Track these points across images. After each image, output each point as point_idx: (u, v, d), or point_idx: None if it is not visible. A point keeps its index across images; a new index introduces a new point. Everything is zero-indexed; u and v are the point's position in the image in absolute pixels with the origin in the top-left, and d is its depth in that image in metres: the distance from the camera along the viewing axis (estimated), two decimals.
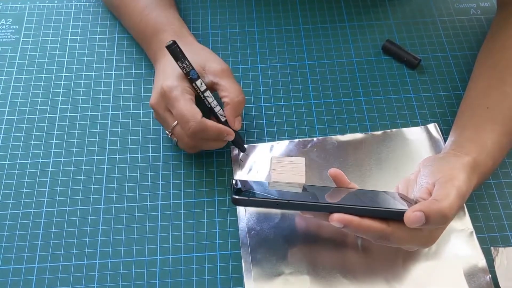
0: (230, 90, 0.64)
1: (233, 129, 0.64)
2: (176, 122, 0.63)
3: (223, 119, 0.64)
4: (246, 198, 0.53)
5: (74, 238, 0.62)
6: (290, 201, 0.53)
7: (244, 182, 0.59)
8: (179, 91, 0.62)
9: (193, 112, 0.61)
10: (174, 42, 0.62)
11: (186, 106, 0.61)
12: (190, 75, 0.63)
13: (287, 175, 0.64)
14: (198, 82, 0.63)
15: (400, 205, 0.54)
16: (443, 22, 0.82)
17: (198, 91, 0.64)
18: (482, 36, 0.80)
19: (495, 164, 0.62)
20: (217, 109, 0.64)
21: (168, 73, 0.64)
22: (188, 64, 0.63)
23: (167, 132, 0.64)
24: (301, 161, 0.66)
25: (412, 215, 0.52)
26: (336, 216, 0.53)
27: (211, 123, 0.62)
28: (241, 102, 0.64)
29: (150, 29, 0.71)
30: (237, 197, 0.53)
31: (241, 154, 0.67)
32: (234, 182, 0.58)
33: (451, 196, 0.53)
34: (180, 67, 0.63)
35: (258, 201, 0.54)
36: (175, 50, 0.62)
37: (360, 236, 0.59)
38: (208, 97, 0.64)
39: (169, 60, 0.64)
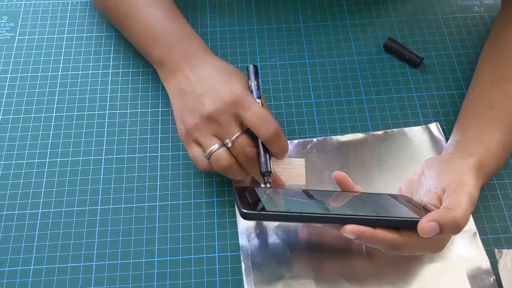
0: (255, 123, 0.59)
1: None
2: (240, 132, 0.59)
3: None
4: (257, 212, 0.52)
5: (71, 240, 0.62)
6: (303, 214, 0.52)
7: (247, 190, 0.57)
8: (252, 97, 0.60)
9: (272, 116, 0.59)
10: (255, 65, 0.63)
11: (265, 109, 0.59)
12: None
13: (286, 177, 0.65)
14: (259, 101, 0.61)
15: (411, 212, 0.54)
16: (446, 20, 0.82)
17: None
18: (486, 34, 0.80)
19: (499, 164, 0.62)
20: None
21: (232, 81, 0.61)
22: (256, 83, 0.62)
23: (211, 148, 0.59)
24: (300, 162, 0.66)
25: (426, 225, 0.52)
26: (349, 228, 0.52)
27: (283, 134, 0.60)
28: (273, 133, 0.59)
29: (172, 35, 0.67)
30: (247, 211, 0.51)
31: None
32: (238, 192, 0.56)
33: (463, 204, 0.53)
34: (254, 84, 0.62)
35: (269, 215, 0.52)
36: (256, 69, 0.63)
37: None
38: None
39: (220, 69, 0.62)
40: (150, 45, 0.68)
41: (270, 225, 0.63)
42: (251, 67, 0.63)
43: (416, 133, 0.71)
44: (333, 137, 0.70)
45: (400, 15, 0.83)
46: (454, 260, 0.61)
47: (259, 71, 0.61)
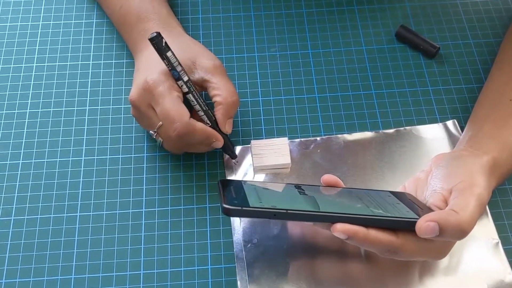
0: (223, 89, 0.64)
1: (222, 133, 0.65)
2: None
3: (209, 123, 0.65)
4: (239, 208, 0.53)
5: (47, 251, 0.62)
6: (289, 211, 0.53)
7: (233, 184, 0.58)
8: (166, 87, 0.62)
9: (180, 112, 0.61)
10: (159, 35, 0.62)
11: (173, 105, 0.62)
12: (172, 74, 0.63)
13: (270, 158, 0.67)
14: (180, 83, 0.63)
15: (411, 212, 0.54)
16: (465, 5, 0.82)
17: (190, 88, 0.64)
18: (510, 21, 0.80)
19: None
20: (200, 113, 0.64)
21: (152, 66, 0.64)
22: (175, 60, 0.63)
23: (151, 132, 0.65)
24: (283, 141, 0.68)
25: (424, 225, 0.52)
26: (339, 226, 0.53)
27: (200, 125, 0.63)
28: (235, 104, 0.64)
29: (132, 16, 0.71)
30: (228, 206, 0.53)
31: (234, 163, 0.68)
32: (221, 185, 0.57)
33: (470, 207, 0.53)
34: (165, 64, 0.63)
35: (253, 211, 0.53)
36: (159, 44, 0.62)
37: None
38: (191, 100, 0.64)
39: (154, 52, 0.64)
40: (119, 26, 0.74)
41: (269, 233, 0.63)
42: (154, 42, 0.62)
43: (431, 131, 0.71)
44: (339, 136, 0.70)
45: (414, 0, 0.83)
46: (473, 273, 0.61)
47: (164, 41, 0.60)
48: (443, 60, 0.77)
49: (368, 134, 0.70)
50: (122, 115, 0.72)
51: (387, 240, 0.53)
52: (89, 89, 0.74)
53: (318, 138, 0.70)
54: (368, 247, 0.55)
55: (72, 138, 0.70)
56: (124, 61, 0.76)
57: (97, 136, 0.70)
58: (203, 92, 0.67)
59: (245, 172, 0.67)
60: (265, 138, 0.70)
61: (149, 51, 0.66)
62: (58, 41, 0.78)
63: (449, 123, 0.71)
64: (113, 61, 0.76)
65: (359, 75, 0.76)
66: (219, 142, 0.64)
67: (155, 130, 0.64)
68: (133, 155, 0.69)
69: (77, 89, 0.74)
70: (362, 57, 0.77)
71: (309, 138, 0.70)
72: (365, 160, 0.68)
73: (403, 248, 0.54)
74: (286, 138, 0.68)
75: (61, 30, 0.79)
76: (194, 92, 0.64)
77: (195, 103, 0.64)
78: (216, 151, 0.69)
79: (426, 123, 0.71)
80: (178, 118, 0.61)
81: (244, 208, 0.53)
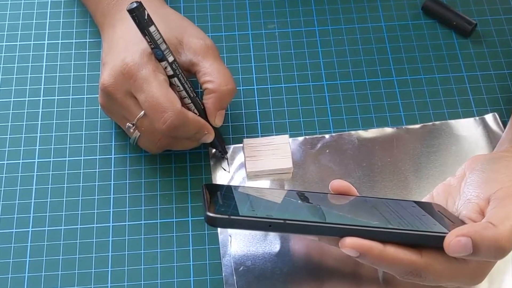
0: (215, 75, 0.64)
1: (212, 126, 0.65)
2: (144, 112, 0.63)
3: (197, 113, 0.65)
4: (226, 216, 0.52)
5: None
6: (287, 221, 0.52)
7: (221, 189, 0.58)
8: (150, 70, 0.62)
9: (170, 99, 0.61)
10: (140, 5, 0.62)
11: (161, 91, 0.61)
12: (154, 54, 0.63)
13: (267, 161, 0.67)
14: (163, 64, 0.63)
15: (438, 226, 0.54)
16: None
17: (176, 70, 0.64)
18: None
19: None
20: (187, 101, 0.65)
21: (131, 45, 0.64)
22: (159, 36, 0.63)
23: (128, 125, 0.65)
24: (283, 139, 0.68)
25: (454, 240, 0.52)
26: (349, 240, 0.52)
27: (192, 115, 0.63)
28: (230, 92, 0.65)
29: None
30: (212, 215, 0.52)
31: (224, 161, 0.68)
32: (206, 190, 0.57)
33: (511, 219, 0.53)
34: (147, 41, 0.63)
35: (243, 221, 0.53)
36: (140, 16, 0.62)
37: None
38: (176, 85, 0.64)
39: (132, 28, 0.64)
40: None
41: (266, 253, 0.63)
42: (135, 15, 0.62)
43: (466, 127, 0.71)
44: (353, 132, 0.70)
45: None
46: None
47: (146, 12, 0.60)
48: (481, 40, 0.77)
49: (388, 131, 0.70)
50: (85, 107, 0.72)
51: (409, 259, 0.53)
52: (43, 75, 0.74)
53: (327, 136, 0.70)
54: (386, 268, 0.54)
55: (23, 135, 0.70)
56: (87, 40, 0.76)
57: (53, 134, 0.70)
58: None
59: (236, 177, 0.67)
60: (261, 136, 0.70)
61: (125, 26, 0.66)
62: (5, 16, 0.78)
63: (488, 117, 0.71)
64: (73, 41, 0.76)
65: (377, 58, 0.76)
66: (211, 135, 0.65)
67: (134, 123, 0.64)
68: (98, 157, 0.69)
69: (29, 75, 0.74)
70: (381, 35, 0.77)
71: (316, 136, 0.70)
72: (384, 162, 0.68)
73: (428, 269, 0.53)
74: (287, 136, 0.68)
75: (9, 2, 0.79)
76: (180, 75, 0.64)
77: (181, 88, 0.64)
78: (200, 151, 0.69)
79: (460, 117, 0.72)
80: (169, 106, 0.61)
81: (232, 217, 0.52)
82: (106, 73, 0.64)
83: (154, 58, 0.63)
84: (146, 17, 0.62)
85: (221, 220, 0.52)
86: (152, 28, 0.62)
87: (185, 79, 0.64)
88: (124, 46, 0.65)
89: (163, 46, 0.63)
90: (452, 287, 0.58)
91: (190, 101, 0.64)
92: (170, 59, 0.63)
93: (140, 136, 0.65)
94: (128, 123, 0.65)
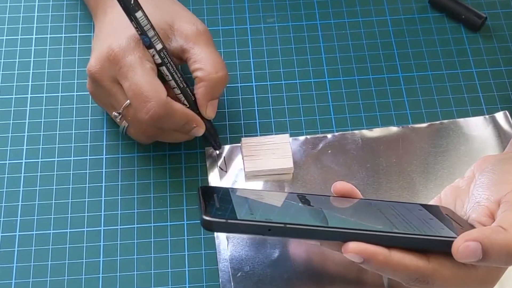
0: (206, 62, 0.64)
1: (204, 119, 0.65)
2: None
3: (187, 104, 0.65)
4: (223, 220, 0.52)
5: None
6: (288, 226, 0.52)
7: (218, 192, 0.58)
8: (136, 57, 0.62)
9: (155, 88, 0.62)
10: None
11: (146, 79, 0.62)
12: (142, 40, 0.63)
13: (266, 161, 0.67)
14: (151, 52, 0.63)
15: (446, 230, 0.54)
16: None
17: (165, 58, 0.64)
18: None
19: None
20: (177, 91, 0.65)
21: (119, 31, 0.64)
22: (146, 22, 0.62)
23: (115, 114, 0.65)
24: (283, 139, 0.68)
25: (463, 245, 0.51)
26: (352, 245, 0.52)
27: (179, 106, 0.63)
28: (221, 80, 0.64)
29: None
30: (208, 218, 0.52)
31: (220, 160, 0.68)
32: (202, 193, 0.57)
33: None
34: (134, 27, 0.63)
35: (241, 225, 0.53)
36: (126, 1, 0.62)
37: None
38: (165, 75, 0.64)
39: (123, 13, 0.64)
40: None
41: (265, 258, 0.63)
42: None
43: (476, 126, 0.71)
44: (356, 132, 0.70)
45: None
46: None
47: None
48: (491, 34, 0.77)
49: (393, 130, 0.70)
50: (74, 105, 0.71)
51: (415, 265, 0.53)
52: (31, 71, 0.74)
53: (329, 135, 0.70)
54: (391, 274, 0.54)
55: (10, 135, 0.70)
56: (78, 35, 0.76)
57: (41, 133, 0.70)
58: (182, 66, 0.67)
59: (234, 179, 0.67)
60: (260, 135, 0.70)
61: (115, 13, 0.66)
62: None
63: (499, 116, 0.71)
64: (63, 35, 0.76)
65: (382, 54, 0.76)
66: (201, 129, 0.64)
67: (120, 111, 0.64)
68: (88, 157, 0.69)
69: (16, 72, 0.74)
70: (386, 29, 0.77)
71: (318, 135, 0.70)
72: (389, 163, 0.68)
73: (436, 276, 0.53)
74: (287, 135, 0.68)
75: None
76: (169, 63, 0.64)
77: (170, 78, 0.64)
78: (196, 151, 0.69)
79: (469, 116, 0.72)
80: (153, 95, 0.61)
81: (230, 221, 0.52)
82: (92, 58, 0.65)
83: (143, 45, 0.63)
84: (132, 2, 0.62)
85: (218, 224, 0.52)
86: (139, 14, 0.62)
87: (175, 68, 0.64)
88: (112, 31, 0.66)
89: (150, 33, 0.63)
90: None
91: (180, 91, 0.64)
92: (158, 46, 0.63)
93: (128, 125, 0.65)
94: (114, 112, 0.65)
